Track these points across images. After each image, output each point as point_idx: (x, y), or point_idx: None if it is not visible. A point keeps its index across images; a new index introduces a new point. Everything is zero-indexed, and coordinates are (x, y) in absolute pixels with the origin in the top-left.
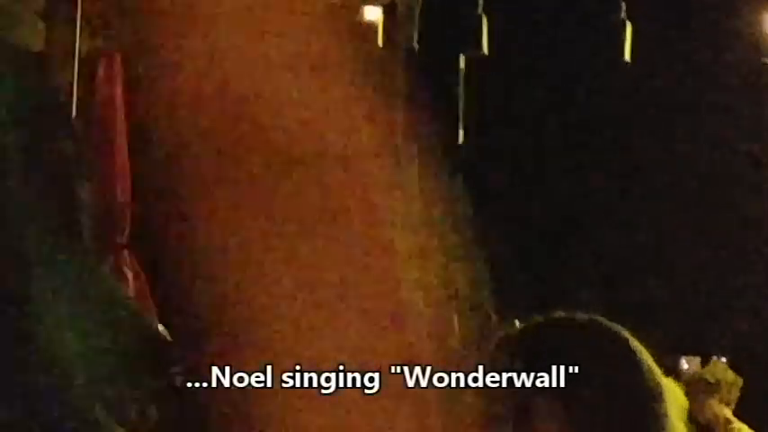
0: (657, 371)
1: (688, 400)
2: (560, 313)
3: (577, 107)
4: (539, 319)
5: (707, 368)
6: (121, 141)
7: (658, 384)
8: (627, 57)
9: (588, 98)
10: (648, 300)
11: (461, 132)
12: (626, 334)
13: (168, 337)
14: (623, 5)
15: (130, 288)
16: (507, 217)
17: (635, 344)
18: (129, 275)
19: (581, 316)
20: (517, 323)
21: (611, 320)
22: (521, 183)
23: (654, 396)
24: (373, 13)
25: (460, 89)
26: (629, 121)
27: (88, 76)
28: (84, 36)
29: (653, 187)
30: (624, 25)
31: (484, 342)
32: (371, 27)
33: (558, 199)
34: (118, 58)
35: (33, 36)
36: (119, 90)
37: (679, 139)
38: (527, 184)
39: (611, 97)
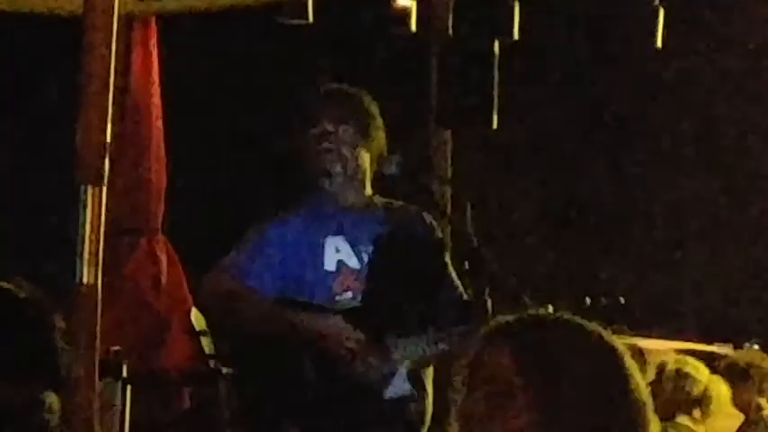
0: (634, 365)
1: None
2: (533, 310)
3: (609, 93)
4: (510, 317)
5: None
6: (157, 118)
7: (635, 379)
8: (659, 43)
9: (620, 84)
10: (681, 286)
11: (495, 118)
12: (599, 329)
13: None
14: None
15: (163, 273)
16: (541, 202)
17: (609, 338)
18: (163, 260)
19: (551, 313)
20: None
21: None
22: (553, 168)
23: (632, 393)
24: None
25: (495, 75)
26: (662, 107)
27: (124, 47)
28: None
29: (686, 173)
30: (657, 11)
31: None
32: (405, 12)
33: (590, 185)
34: (153, 24)
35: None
36: (155, 65)
37: (712, 124)
38: (559, 169)
39: (643, 83)
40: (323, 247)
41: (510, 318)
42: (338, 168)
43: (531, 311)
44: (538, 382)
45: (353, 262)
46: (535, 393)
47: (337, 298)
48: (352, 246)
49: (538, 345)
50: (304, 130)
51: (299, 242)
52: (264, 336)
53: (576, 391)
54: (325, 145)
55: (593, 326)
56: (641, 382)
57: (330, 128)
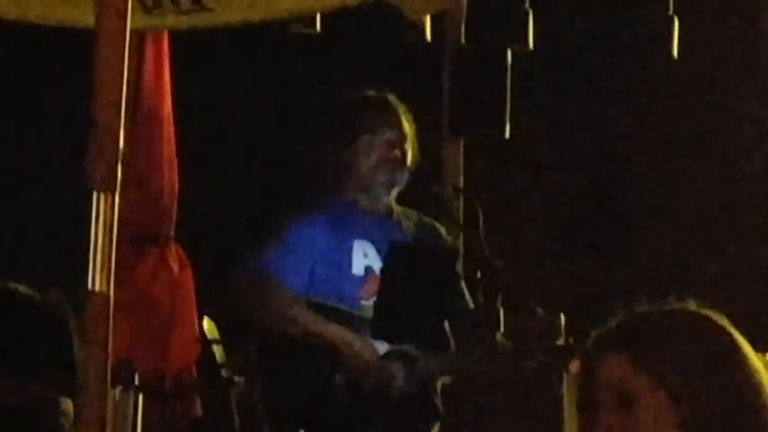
0: (756, 359)
1: None
2: (662, 304)
3: (624, 103)
4: (638, 311)
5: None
6: (168, 128)
7: (756, 372)
8: (674, 53)
9: (635, 94)
10: (701, 295)
11: (508, 127)
12: (725, 323)
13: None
14: (671, 0)
15: (175, 281)
16: (554, 211)
17: (733, 333)
18: (175, 267)
19: (677, 306)
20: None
21: None
22: (566, 177)
23: (753, 387)
24: None
25: (508, 84)
26: (678, 117)
27: (136, 55)
28: (135, 13)
29: (705, 182)
30: (672, 21)
31: (529, 335)
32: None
33: (605, 194)
34: (166, 38)
35: (83, 13)
36: (166, 72)
37: (729, 135)
38: (573, 178)
39: (658, 94)
40: (351, 250)
41: (613, 324)
42: (403, 178)
43: (636, 311)
44: (662, 381)
45: (380, 268)
46: (663, 393)
47: (363, 303)
48: (378, 251)
49: (651, 344)
50: (353, 136)
51: (328, 244)
52: (293, 340)
53: (696, 379)
54: (396, 153)
55: (703, 311)
56: (756, 362)
57: (398, 136)
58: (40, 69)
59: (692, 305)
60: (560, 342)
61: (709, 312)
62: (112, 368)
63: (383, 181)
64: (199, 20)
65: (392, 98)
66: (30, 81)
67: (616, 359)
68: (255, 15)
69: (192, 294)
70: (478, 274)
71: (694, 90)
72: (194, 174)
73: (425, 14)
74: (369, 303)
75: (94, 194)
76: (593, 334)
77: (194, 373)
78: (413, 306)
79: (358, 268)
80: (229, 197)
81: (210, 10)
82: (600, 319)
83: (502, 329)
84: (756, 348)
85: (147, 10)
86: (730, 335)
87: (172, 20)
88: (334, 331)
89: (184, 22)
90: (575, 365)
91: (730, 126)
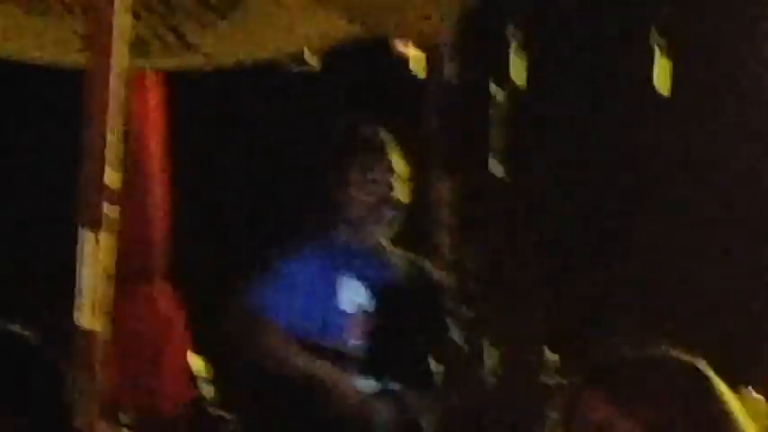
0: (736, 404)
1: None
2: (639, 349)
3: (615, 141)
4: (620, 354)
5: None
6: (157, 168)
7: (736, 420)
8: (665, 92)
9: (625, 132)
10: (689, 334)
11: (498, 164)
12: (705, 369)
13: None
14: (662, 41)
15: (163, 319)
16: (546, 249)
17: (713, 378)
18: (164, 306)
19: (657, 351)
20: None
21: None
22: (556, 215)
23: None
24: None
25: (498, 122)
26: (669, 154)
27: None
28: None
29: (697, 221)
30: (662, 59)
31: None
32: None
33: (596, 232)
34: (154, 77)
35: (74, 55)
36: (156, 111)
37: (721, 171)
38: (563, 216)
39: (648, 132)
40: (340, 288)
41: (595, 365)
42: (395, 218)
43: (618, 353)
44: (643, 423)
45: (369, 305)
46: None
47: (351, 340)
48: (368, 289)
49: (632, 388)
50: (346, 176)
51: (318, 281)
52: (282, 377)
53: (676, 424)
54: (389, 194)
55: (685, 357)
56: (736, 407)
57: (390, 177)
58: (34, 102)
59: (673, 351)
60: (549, 380)
61: (690, 358)
62: (102, 407)
63: (375, 221)
64: (188, 61)
65: (386, 137)
66: (24, 115)
67: (598, 399)
68: (247, 56)
69: (183, 333)
70: (466, 312)
71: (687, 128)
72: (185, 211)
73: (416, 44)
74: (357, 341)
75: (84, 234)
76: (575, 374)
77: (184, 412)
78: (400, 344)
79: (347, 305)
80: (220, 234)
81: (201, 51)
82: (590, 356)
83: (490, 367)
84: (742, 382)
85: (137, 53)
86: (710, 381)
87: (161, 62)
88: (320, 369)
89: (174, 63)
90: (557, 404)
91: (724, 165)
